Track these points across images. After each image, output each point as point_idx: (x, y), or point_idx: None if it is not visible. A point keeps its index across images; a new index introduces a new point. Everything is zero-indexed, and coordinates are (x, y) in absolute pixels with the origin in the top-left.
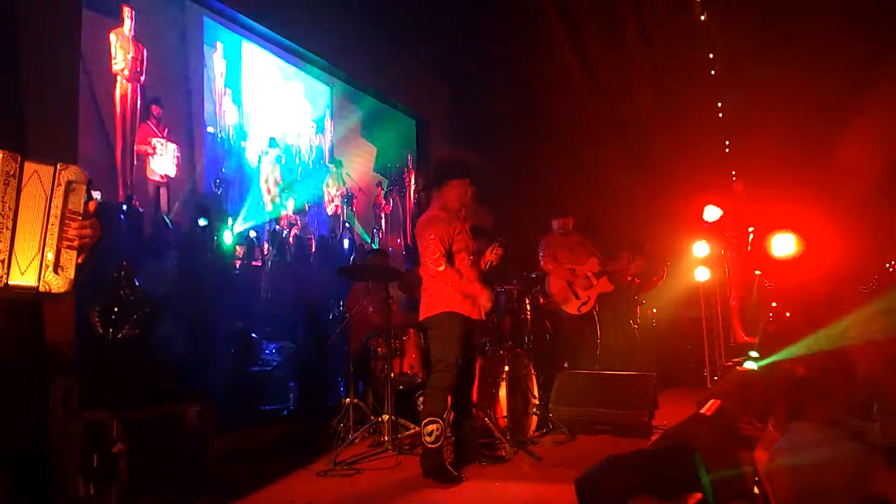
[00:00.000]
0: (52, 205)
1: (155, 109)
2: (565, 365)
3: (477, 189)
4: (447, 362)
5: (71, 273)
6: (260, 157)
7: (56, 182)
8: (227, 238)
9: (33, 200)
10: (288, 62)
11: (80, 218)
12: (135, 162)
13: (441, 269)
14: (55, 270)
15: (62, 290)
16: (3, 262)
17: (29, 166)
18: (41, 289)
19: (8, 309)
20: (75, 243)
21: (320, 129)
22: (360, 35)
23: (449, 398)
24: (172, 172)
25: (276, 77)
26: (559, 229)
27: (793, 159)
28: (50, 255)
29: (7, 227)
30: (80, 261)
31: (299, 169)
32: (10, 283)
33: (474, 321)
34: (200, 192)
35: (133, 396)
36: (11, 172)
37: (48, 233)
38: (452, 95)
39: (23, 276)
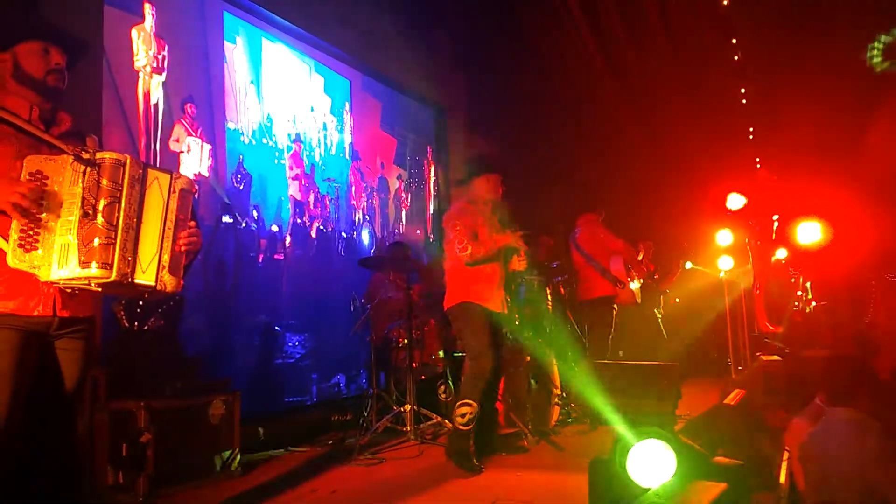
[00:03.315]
0: (169, 209)
1: (189, 108)
2: (620, 353)
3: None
4: (478, 350)
5: (180, 274)
6: (281, 151)
7: (171, 189)
8: (250, 232)
9: (154, 205)
10: (308, 56)
11: (188, 225)
12: (161, 158)
13: (468, 252)
14: (170, 271)
15: (174, 289)
16: (129, 261)
17: (151, 172)
18: (158, 287)
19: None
20: (185, 248)
21: (340, 123)
22: (378, 26)
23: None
24: (206, 172)
25: (295, 71)
26: (601, 216)
27: (817, 145)
28: (165, 257)
29: (132, 228)
30: (184, 262)
31: (320, 163)
32: (136, 281)
33: (495, 314)
34: (222, 187)
35: (159, 387)
36: (137, 177)
37: (165, 236)
38: (472, 85)
39: (144, 274)
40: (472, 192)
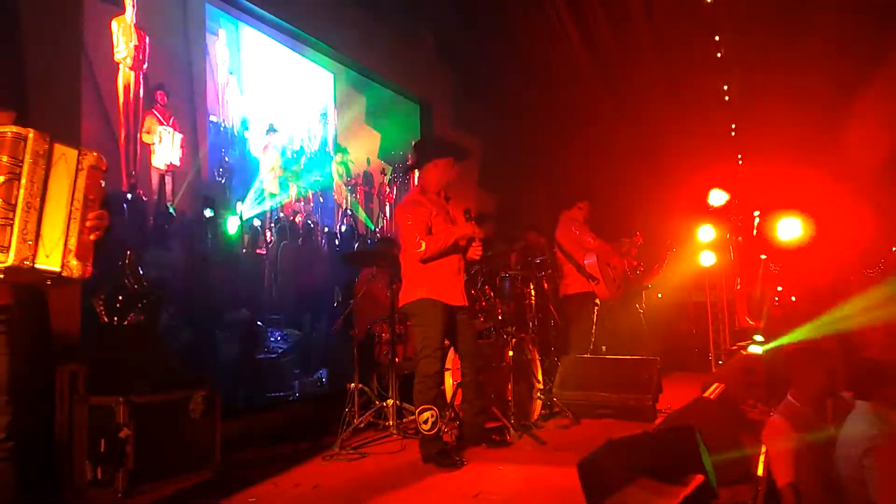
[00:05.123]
0: (76, 189)
1: (160, 96)
2: (603, 348)
3: (479, 173)
4: (431, 349)
5: (89, 259)
6: (264, 145)
7: (79, 166)
8: (232, 226)
9: (60, 184)
10: (291, 49)
11: (98, 206)
12: (139, 151)
13: (421, 249)
14: (77, 256)
15: (82, 275)
16: (30, 244)
17: (58, 148)
18: (64, 273)
19: (15, 295)
20: (93, 231)
21: (324, 117)
22: (363, 20)
23: (441, 384)
24: (178, 162)
25: (279, 65)
26: (580, 210)
27: (799, 143)
28: (73, 241)
29: (34, 208)
30: (92, 246)
31: (303, 157)
32: (37, 266)
33: (456, 307)
34: (204, 180)
35: (139, 382)
36: (41, 153)
37: (72, 217)
38: (457, 80)
39: (47, 258)
40: (422, 180)
